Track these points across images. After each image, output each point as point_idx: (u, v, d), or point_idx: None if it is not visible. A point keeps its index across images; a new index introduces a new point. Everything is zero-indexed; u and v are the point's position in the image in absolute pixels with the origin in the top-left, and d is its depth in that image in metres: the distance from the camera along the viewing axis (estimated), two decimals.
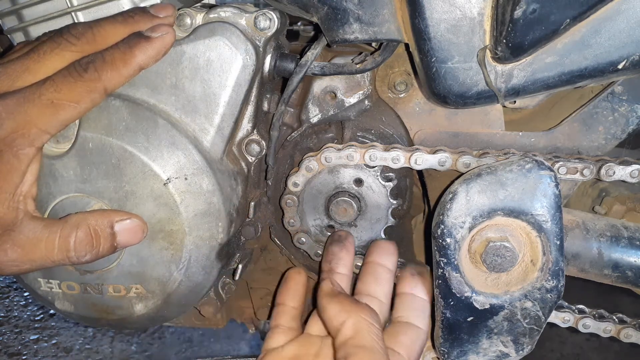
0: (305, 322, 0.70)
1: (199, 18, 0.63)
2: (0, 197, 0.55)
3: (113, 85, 0.58)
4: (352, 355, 0.56)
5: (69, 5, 0.62)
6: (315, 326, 0.68)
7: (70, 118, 0.57)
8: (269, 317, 0.72)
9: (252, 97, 0.67)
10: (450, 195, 0.64)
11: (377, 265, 0.72)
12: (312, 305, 0.72)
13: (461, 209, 0.64)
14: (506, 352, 0.69)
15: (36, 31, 0.64)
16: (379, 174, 0.74)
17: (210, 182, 0.64)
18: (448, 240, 0.65)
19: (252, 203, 0.74)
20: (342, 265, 0.71)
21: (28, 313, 2.22)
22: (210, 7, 0.65)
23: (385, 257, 0.72)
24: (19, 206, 0.56)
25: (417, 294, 0.71)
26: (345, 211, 0.75)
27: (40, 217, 0.59)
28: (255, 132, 0.70)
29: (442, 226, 0.64)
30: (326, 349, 0.63)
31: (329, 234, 0.78)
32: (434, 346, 0.76)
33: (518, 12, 0.56)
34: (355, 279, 0.73)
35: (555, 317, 0.74)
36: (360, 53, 0.71)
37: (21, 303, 2.27)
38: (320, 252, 0.79)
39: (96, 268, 0.66)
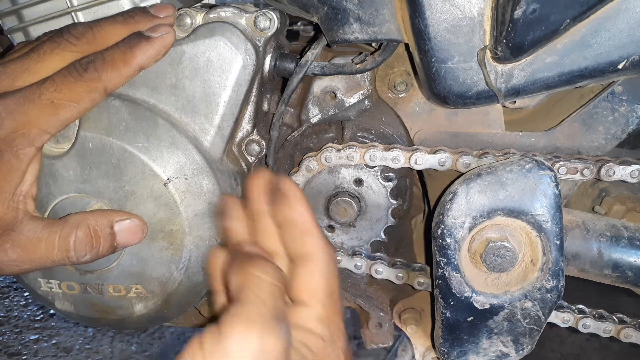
0: None
1: (199, 18, 0.63)
2: (0, 196, 0.55)
3: (113, 85, 0.58)
4: (226, 312, 0.43)
5: (69, 5, 0.62)
6: None
7: (70, 118, 0.57)
8: None
9: (252, 97, 0.67)
10: (450, 195, 0.64)
11: (259, 214, 0.54)
12: None
13: (461, 209, 0.64)
14: (506, 352, 0.69)
15: (36, 31, 0.64)
16: (379, 174, 0.74)
17: (210, 182, 0.64)
18: (448, 240, 0.65)
19: None
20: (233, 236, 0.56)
21: (28, 313, 2.22)
22: (210, 7, 0.65)
23: (261, 197, 0.54)
24: (18, 206, 0.56)
25: (297, 214, 0.52)
26: (345, 211, 0.75)
27: (40, 217, 0.59)
28: (255, 132, 0.70)
29: (442, 226, 0.64)
30: None
31: (329, 233, 0.78)
32: (434, 346, 0.76)
33: (518, 12, 0.56)
34: None
35: (555, 317, 0.74)
36: (360, 53, 0.71)
37: (21, 303, 2.27)
38: None
39: (96, 268, 0.66)
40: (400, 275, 0.77)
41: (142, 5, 0.63)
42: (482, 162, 0.67)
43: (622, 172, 0.68)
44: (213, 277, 0.56)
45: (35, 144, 0.56)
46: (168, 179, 0.62)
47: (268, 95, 0.72)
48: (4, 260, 0.56)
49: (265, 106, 0.72)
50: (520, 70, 0.62)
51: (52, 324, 2.17)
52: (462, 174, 0.68)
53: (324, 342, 0.49)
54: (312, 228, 0.52)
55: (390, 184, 0.75)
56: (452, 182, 0.67)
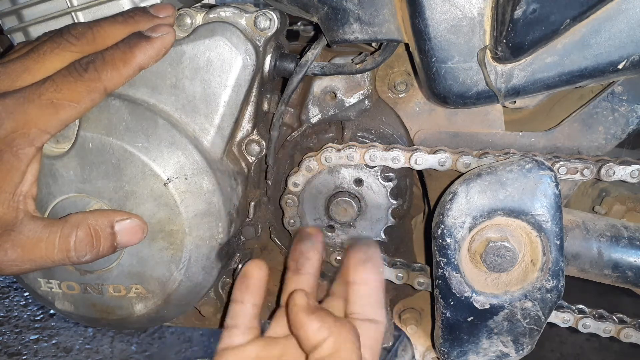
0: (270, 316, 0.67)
1: (199, 18, 0.63)
2: (0, 196, 0.55)
3: (113, 85, 0.58)
4: None
5: (69, 5, 0.62)
6: (278, 326, 0.64)
7: (70, 118, 0.57)
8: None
9: (252, 97, 0.67)
10: (450, 195, 0.64)
11: (369, 286, 0.64)
12: (276, 303, 0.68)
13: (461, 209, 0.64)
14: (506, 352, 0.69)
15: (36, 31, 0.64)
16: (379, 174, 0.74)
17: (210, 182, 0.64)
18: (448, 240, 0.65)
19: (252, 203, 0.74)
20: (309, 266, 0.66)
21: (28, 313, 2.22)
22: (210, 7, 0.65)
23: (375, 274, 0.65)
24: (19, 206, 0.56)
25: (370, 283, 0.63)
26: (345, 211, 0.75)
27: (41, 217, 0.59)
28: (255, 132, 0.70)
29: (442, 226, 0.64)
30: (290, 352, 0.61)
31: (329, 233, 0.78)
32: (434, 346, 0.76)
33: (518, 12, 0.56)
34: (331, 279, 0.70)
35: (555, 317, 0.74)
36: (360, 53, 0.71)
37: (21, 303, 2.27)
38: None
39: (96, 268, 0.66)
40: (400, 275, 0.77)
41: (142, 5, 0.63)
42: (482, 162, 0.67)
43: (622, 172, 0.68)
44: (245, 288, 0.65)
45: (35, 144, 0.56)
46: (168, 179, 0.62)
47: (268, 95, 0.72)
48: (4, 260, 0.56)
49: (265, 106, 0.72)
50: (520, 70, 0.62)
51: (52, 324, 2.17)
52: (462, 174, 0.68)
53: None
54: (380, 295, 0.64)
55: (390, 184, 0.75)
56: (452, 182, 0.67)
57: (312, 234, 0.69)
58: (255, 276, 0.65)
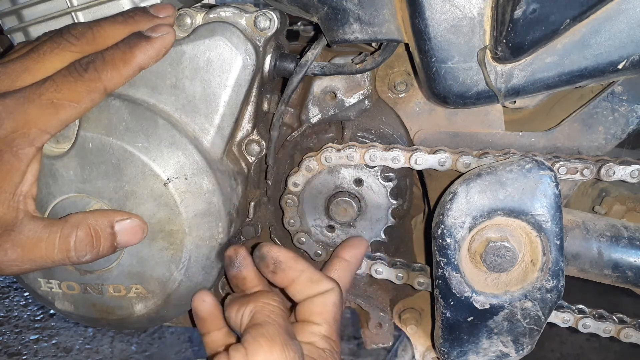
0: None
1: (199, 18, 0.63)
2: (0, 197, 0.55)
3: (113, 85, 0.58)
4: (247, 334, 0.57)
5: (69, 5, 0.63)
6: None
7: (70, 118, 0.57)
8: None
9: (252, 97, 0.67)
10: (450, 195, 0.64)
11: (339, 258, 0.73)
12: None
13: (461, 209, 0.64)
14: (506, 352, 0.69)
15: (36, 31, 0.64)
16: (379, 174, 0.74)
17: (210, 182, 0.64)
18: (448, 240, 0.65)
19: (252, 203, 0.74)
20: (248, 284, 0.68)
21: (28, 313, 2.22)
22: (210, 7, 0.65)
23: (348, 251, 0.74)
24: (19, 206, 0.56)
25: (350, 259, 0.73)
26: (345, 211, 0.75)
27: (41, 217, 0.59)
28: (255, 132, 0.70)
29: (442, 226, 0.64)
30: None
31: (329, 233, 0.78)
32: (434, 346, 0.76)
33: (518, 12, 0.56)
34: None
35: (555, 317, 0.74)
36: (360, 53, 0.71)
37: (21, 303, 2.28)
38: (320, 252, 0.79)
39: (96, 268, 0.66)
40: (400, 275, 0.77)
41: (142, 5, 0.63)
42: (482, 162, 0.67)
43: (622, 172, 0.68)
44: (202, 320, 0.68)
45: (35, 144, 0.56)
46: (168, 179, 0.62)
47: (268, 95, 0.72)
48: (4, 260, 0.56)
49: (265, 106, 0.72)
50: (520, 70, 0.62)
51: (52, 324, 2.17)
52: (462, 174, 0.68)
53: (325, 355, 0.61)
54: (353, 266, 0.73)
55: (390, 184, 0.75)
56: (452, 182, 0.67)
57: (233, 256, 0.68)
58: (201, 309, 0.68)
